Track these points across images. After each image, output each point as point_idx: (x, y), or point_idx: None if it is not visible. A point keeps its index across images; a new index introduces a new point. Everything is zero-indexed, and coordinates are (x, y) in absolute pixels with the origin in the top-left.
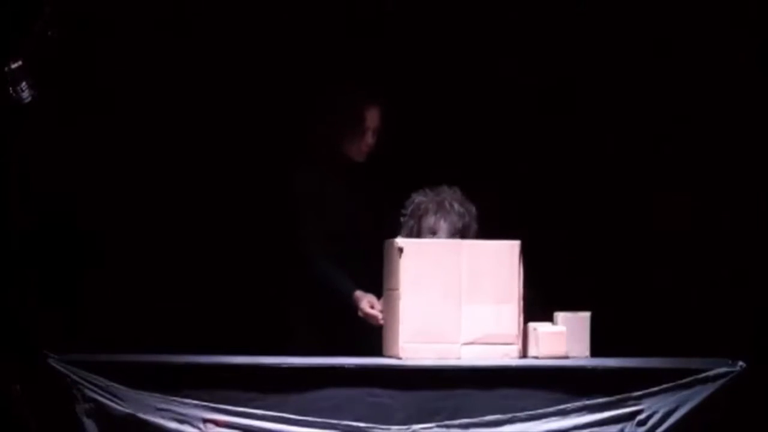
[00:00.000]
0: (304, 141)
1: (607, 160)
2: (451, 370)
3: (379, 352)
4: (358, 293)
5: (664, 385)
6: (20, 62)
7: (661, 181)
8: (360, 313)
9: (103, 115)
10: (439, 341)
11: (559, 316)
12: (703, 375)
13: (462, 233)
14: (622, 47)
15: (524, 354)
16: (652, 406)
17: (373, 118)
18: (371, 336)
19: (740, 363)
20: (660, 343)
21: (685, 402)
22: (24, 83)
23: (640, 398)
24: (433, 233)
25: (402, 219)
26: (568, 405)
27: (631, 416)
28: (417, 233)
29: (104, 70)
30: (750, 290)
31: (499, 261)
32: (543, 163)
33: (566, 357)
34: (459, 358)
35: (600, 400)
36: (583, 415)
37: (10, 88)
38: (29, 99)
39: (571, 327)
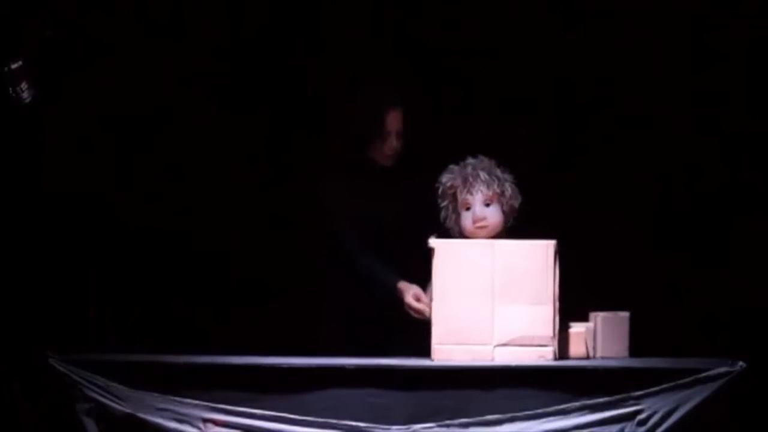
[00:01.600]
0: (330, 145)
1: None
2: (451, 370)
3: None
4: (403, 284)
5: (665, 385)
6: (20, 62)
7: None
8: (405, 307)
9: (116, 116)
10: (472, 343)
11: (598, 316)
12: (704, 375)
13: (498, 200)
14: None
15: (561, 356)
16: (653, 406)
17: (393, 121)
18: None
19: (740, 363)
20: (661, 343)
21: (686, 402)
22: (24, 83)
23: (640, 398)
24: (468, 208)
25: (440, 204)
26: (568, 405)
27: (631, 416)
28: (455, 214)
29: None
30: (750, 290)
31: (534, 261)
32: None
33: (588, 357)
34: (492, 360)
35: (600, 399)
36: (583, 414)
37: (11, 89)
38: (29, 99)
39: (609, 327)
